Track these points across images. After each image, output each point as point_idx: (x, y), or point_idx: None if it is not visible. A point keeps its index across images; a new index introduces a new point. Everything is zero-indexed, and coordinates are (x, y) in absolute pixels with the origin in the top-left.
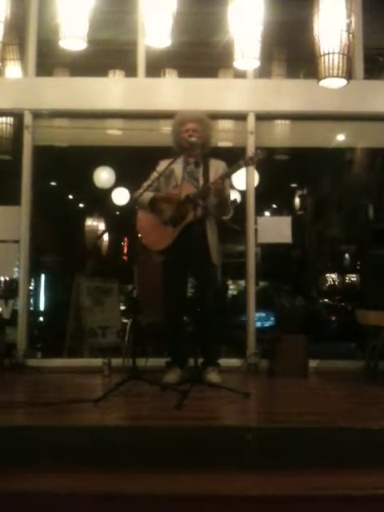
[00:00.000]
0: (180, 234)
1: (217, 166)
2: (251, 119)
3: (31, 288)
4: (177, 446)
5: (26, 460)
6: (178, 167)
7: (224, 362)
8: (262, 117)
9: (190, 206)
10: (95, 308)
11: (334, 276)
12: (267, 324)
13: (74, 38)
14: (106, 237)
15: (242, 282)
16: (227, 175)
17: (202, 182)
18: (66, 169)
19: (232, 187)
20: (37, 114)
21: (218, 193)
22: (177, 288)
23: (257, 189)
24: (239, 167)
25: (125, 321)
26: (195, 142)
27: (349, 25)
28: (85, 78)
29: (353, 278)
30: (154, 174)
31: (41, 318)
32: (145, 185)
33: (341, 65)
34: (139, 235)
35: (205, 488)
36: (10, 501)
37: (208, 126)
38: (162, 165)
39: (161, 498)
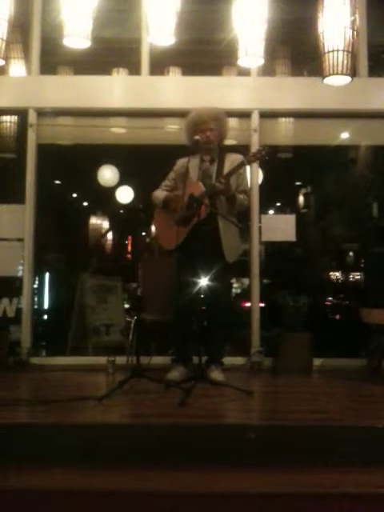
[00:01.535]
0: (190, 234)
1: (232, 161)
2: (255, 117)
3: (35, 286)
4: (180, 444)
5: (30, 457)
6: (193, 166)
7: (228, 359)
8: (265, 115)
9: (193, 208)
10: (99, 306)
11: (337, 274)
12: None
13: (77, 36)
14: (110, 235)
15: (245, 280)
16: (231, 174)
17: (214, 179)
18: (69, 167)
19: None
20: (41, 112)
21: (222, 192)
22: (188, 287)
23: (261, 187)
24: (243, 165)
25: (128, 319)
26: (199, 140)
27: (353, 22)
28: (88, 76)
29: (357, 276)
30: (171, 174)
31: (45, 316)
32: (163, 184)
33: (345, 62)
34: (155, 233)
35: (207, 486)
36: (13, 498)
37: (223, 122)
38: (178, 164)
39: (163, 496)
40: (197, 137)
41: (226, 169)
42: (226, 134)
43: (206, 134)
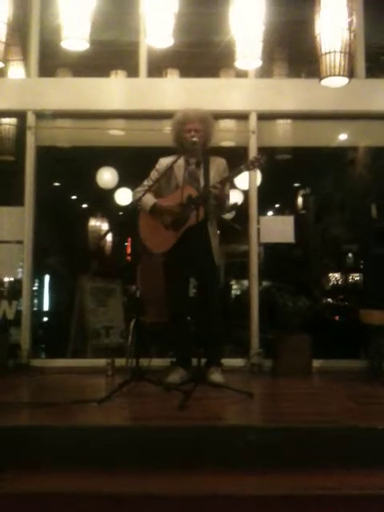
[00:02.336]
0: (181, 237)
1: (217, 165)
2: (253, 119)
3: (35, 289)
4: (180, 446)
5: (30, 460)
6: (178, 167)
7: (227, 361)
8: (263, 116)
9: (190, 210)
10: (99, 308)
11: (337, 275)
12: None
13: (76, 38)
14: (109, 237)
15: (245, 282)
16: (228, 179)
17: (202, 182)
18: (68, 169)
19: (233, 187)
20: (39, 115)
21: (217, 197)
22: (180, 290)
23: (259, 189)
24: (241, 171)
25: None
26: (197, 142)
27: (350, 23)
28: (87, 78)
29: (356, 277)
30: (154, 173)
31: (44, 319)
32: (145, 184)
33: (342, 63)
34: (141, 237)
35: (207, 488)
36: (13, 501)
37: (210, 124)
38: (162, 163)
39: (164, 498)
40: (195, 139)
41: (213, 173)
42: (212, 137)
43: (192, 134)
